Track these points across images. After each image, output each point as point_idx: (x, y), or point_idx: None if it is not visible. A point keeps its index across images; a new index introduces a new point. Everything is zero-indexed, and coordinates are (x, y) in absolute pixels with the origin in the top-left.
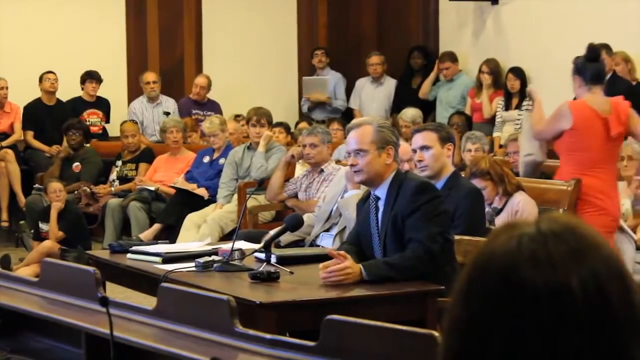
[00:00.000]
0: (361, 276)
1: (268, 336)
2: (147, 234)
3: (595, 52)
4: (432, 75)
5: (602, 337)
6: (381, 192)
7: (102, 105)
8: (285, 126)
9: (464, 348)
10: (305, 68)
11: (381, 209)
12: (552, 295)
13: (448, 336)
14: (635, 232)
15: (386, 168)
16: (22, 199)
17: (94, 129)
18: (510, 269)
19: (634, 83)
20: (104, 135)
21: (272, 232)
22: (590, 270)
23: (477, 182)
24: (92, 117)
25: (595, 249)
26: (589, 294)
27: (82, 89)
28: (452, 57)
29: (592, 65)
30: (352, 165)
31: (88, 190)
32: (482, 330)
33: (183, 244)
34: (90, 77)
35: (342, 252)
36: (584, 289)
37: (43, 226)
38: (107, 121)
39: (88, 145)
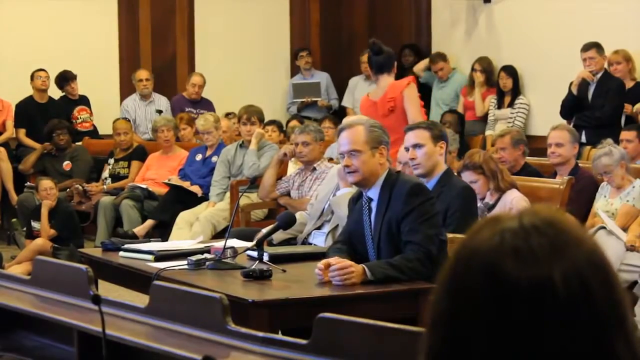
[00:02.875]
0: (365, 276)
1: (260, 334)
2: (140, 230)
3: (376, 47)
4: (427, 60)
5: (586, 333)
6: (373, 193)
7: (86, 101)
8: (277, 124)
9: (447, 344)
10: (298, 66)
11: (374, 210)
12: (535, 290)
13: (431, 332)
14: (626, 232)
15: (379, 168)
16: (14, 197)
17: (85, 125)
18: (493, 265)
19: (632, 83)
20: (94, 131)
21: (264, 230)
22: (572, 264)
23: (469, 175)
24: (82, 114)
25: (578, 243)
26: (571, 288)
27: (63, 92)
28: (443, 57)
29: (375, 58)
30: (346, 166)
31: (80, 188)
32: (465, 327)
33: (175, 242)
34: (65, 79)
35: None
36: (566, 283)
37: (35, 224)
38: (91, 114)
39: (80, 143)
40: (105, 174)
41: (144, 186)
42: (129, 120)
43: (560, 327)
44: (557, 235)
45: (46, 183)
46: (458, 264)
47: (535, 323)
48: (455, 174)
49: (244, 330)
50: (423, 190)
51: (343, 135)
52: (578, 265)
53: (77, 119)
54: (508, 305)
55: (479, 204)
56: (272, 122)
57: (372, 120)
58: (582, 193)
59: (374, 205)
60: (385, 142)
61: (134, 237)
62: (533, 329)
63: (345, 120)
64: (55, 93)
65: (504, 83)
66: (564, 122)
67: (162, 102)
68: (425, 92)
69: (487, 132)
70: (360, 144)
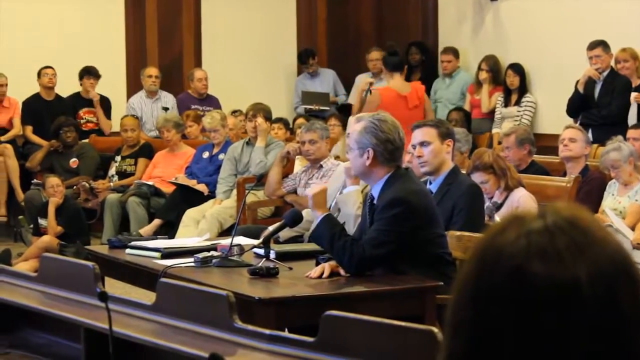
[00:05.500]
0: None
1: (267, 332)
2: (147, 230)
3: (393, 49)
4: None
5: (612, 334)
6: (375, 192)
7: (106, 103)
8: (284, 122)
9: (471, 350)
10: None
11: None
12: (561, 291)
13: (452, 338)
14: (634, 230)
15: (368, 169)
16: (20, 194)
17: (89, 125)
18: (520, 268)
19: (639, 81)
20: (98, 131)
21: (271, 228)
22: (596, 265)
23: (480, 176)
24: (88, 115)
25: (601, 243)
26: (597, 289)
27: (81, 84)
28: (455, 52)
29: (391, 58)
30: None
31: (87, 185)
32: (491, 331)
33: (182, 240)
34: (88, 73)
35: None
36: (591, 284)
37: (42, 221)
38: (108, 118)
39: (87, 140)
40: (112, 171)
41: (150, 183)
42: (137, 118)
43: (587, 328)
44: (581, 235)
45: (53, 180)
46: (483, 267)
47: (561, 325)
48: (464, 172)
49: (250, 327)
50: (402, 204)
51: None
52: (602, 265)
53: (82, 119)
54: (535, 308)
55: (487, 202)
56: (278, 120)
57: (374, 120)
58: (591, 194)
59: (374, 203)
60: (371, 144)
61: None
62: (559, 331)
63: (353, 117)
64: (62, 90)
65: (511, 81)
66: (572, 121)
67: (168, 99)
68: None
69: (494, 130)
70: (352, 142)
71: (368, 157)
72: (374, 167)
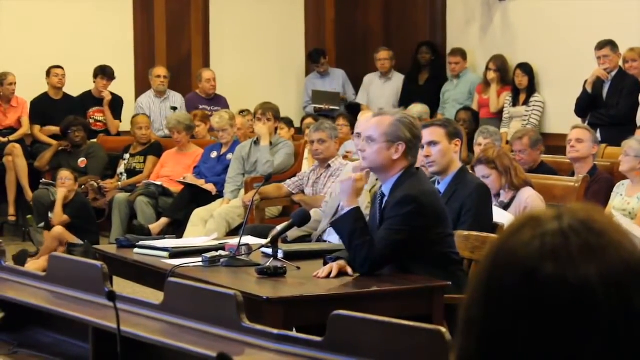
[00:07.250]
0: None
1: (275, 331)
2: (154, 227)
3: None
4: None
5: (626, 340)
6: (386, 189)
7: (117, 103)
8: (286, 121)
9: (482, 349)
10: (313, 64)
11: (384, 206)
12: (572, 293)
13: (464, 337)
14: None
15: (392, 163)
16: (29, 194)
17: (98, 124)
18: (533, 269)
19: None
20: (106, 131)
21: (279, 228)
22: (608, 267)
23: (482, 169)
24: (97, 114)
25: (616, 246)
26: (609, 290)
27: (94, 82)
28: (462, 54)
29: None
30: (362, 151)
31: (95, 185)
32: (502, 331)
33: (190, 239)
34: (103, 73)
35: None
36: (604, 286)
37: (52, 215)
38: (118, 118)
39: (95, 140)
40: (121, 169)
41: (158, 183)
42: (149, 116)
43: (599, 331)
44: (595, 237)
45: (64, 173)
46: (496, 267)
47: (573, 326)
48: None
49: (258, 327)
50: (413, 202)
51: (366, 119)
52: (615, 268)
53: (91, 118)
54: (546, 309)
55: (494, 202)
56: (281, 119)
57: (406, 115)
58: (599, 194)
59: (385, 201)
60: (405, 139)
61: (149, 233)
62: (571, 332)
63: (364, 114)
64: (70, 90)
65: (519, 81)
66: (580, 122)
67: (176, 99)
68: (432, 89)
69: (502, 130)
70: (378, 134)
71: (397, 151)
72: (399, 161)
